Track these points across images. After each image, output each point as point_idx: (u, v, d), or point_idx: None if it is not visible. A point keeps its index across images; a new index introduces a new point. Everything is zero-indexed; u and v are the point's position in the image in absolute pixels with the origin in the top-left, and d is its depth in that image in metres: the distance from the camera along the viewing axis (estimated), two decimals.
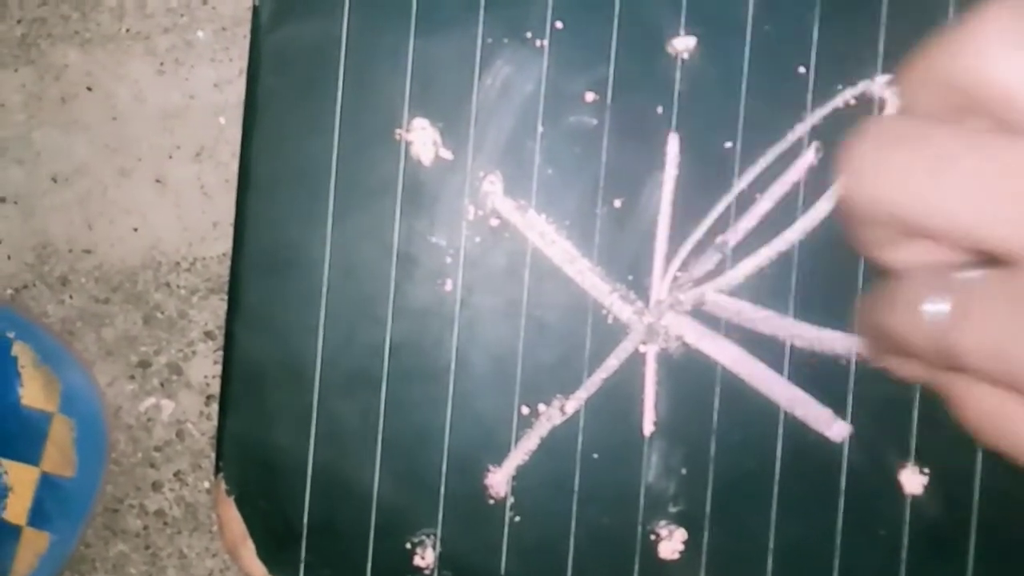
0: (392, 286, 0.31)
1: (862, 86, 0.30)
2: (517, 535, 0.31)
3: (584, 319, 0.30)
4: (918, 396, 0.30)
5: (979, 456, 0.30)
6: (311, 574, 0.31)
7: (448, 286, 0.31)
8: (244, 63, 0.31)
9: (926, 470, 0.30)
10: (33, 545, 0.29)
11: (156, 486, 0.32)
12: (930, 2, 0.29)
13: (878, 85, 0.29)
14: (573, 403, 0.30)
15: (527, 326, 0.31)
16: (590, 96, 0.30)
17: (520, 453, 0.31)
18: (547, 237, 0.30)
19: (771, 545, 0.30)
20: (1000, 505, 0.30)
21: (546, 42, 0.30)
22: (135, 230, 0.32)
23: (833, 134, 0.30)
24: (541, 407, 0.30)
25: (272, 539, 0.31)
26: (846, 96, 0.30)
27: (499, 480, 0.31)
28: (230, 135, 0.32)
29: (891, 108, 0.30)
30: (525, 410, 0.30)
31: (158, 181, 0.32)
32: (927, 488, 0.30)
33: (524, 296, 0.30)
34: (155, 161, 0.32)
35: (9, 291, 0.31)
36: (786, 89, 0.30)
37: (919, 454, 0.30)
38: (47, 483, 0.29)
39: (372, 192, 0.31)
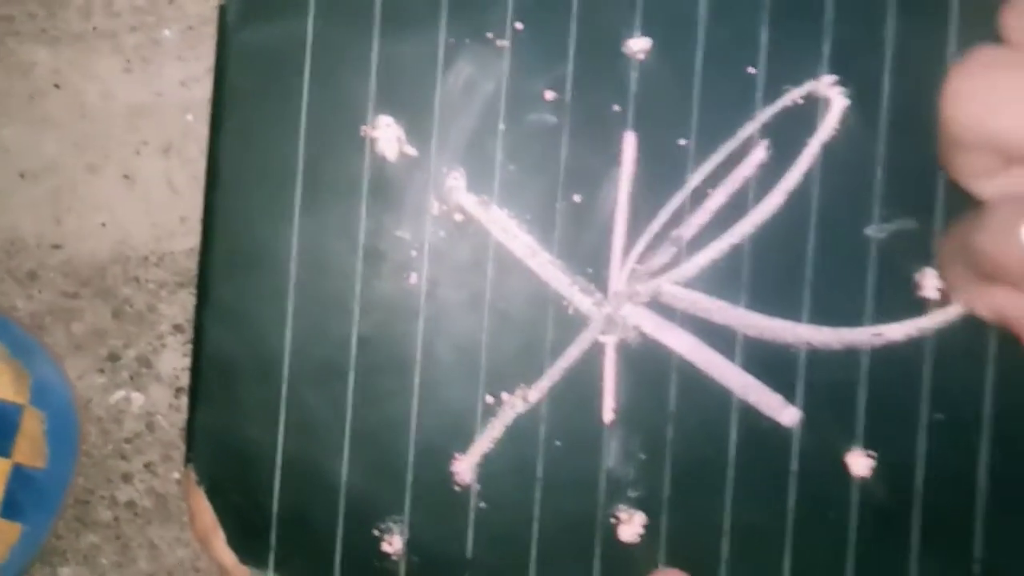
0: (359, 280, 0.31)
1: (808, 86, 0.31)
2: (483, 520, 0.31)
3: (545, 310, 0.31)
4: (866, 381, 0.31)
5: (922, 439, 0.31)
6: (281, 562, 0.31)
7: (414, 279, 0.31)
8: (211, 61, 0.31)
9: (872, 453, 0.31)
10: (5, 536, 0.30)
11: (126, 477, 0.32)
12: (873, 5, 0.31)
13: (823, 85, 0.31)
14: (536, 392, 0.31)
15: (490, 318, 0.31)
16: (550, 95, 0.31)
17: (485, 441, 0.31)
18: (509, 231, 0.31)
19: (727, 527, 0.31)
20: (942, 486, 0.31)
21: (507, 42, 0.31)
22: (103, 225, 0.32)
23: (782, 132, 0.31)
24: (505, 396, 0.31)
25: (242, 528, 0.31)
26: (793, 95, 0.31)
27: (465, 467, 0.31)
28: (198, 132, 0.32)
29: (836, 107, 0.31)
30: (489, 399, 0.31)
31: (126, 177, 0.32)
32: (874, 471, 0.31)
33: (487, 289, 0.31)
34: (123, 157, 0.32)
35: None
36: (737, 89, 0.31)
37: (866, 438, 0.31)
38: (19, 475, 0.29)
39: (338, 188, 0.31)
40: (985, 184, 0.21)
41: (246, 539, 0.31)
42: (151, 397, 0.32)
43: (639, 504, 0.31)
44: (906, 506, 0.31)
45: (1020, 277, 0.19)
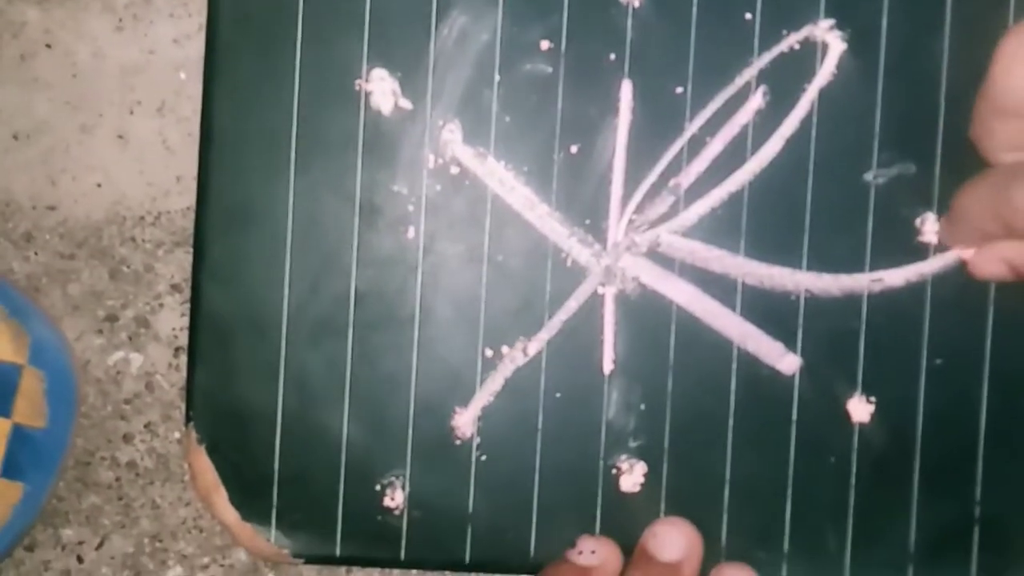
0: (355, 235, 0.31)
1: (806, 31, 0.30)
2: (483, 473, 0.31)
3: (544, 263, 0.31)
4: (864, 327, 0.31)
5: (922, 384, 0.31)
6: (283, 518, 0.31)
7: (411, 234, 0.31)
8: (203, 18, 0.31)
9: (872, 399, 0.31)
10: (6, 496, 0.29)
11: (127, 438, 0.32)
12: None
13: (821, 29, 0.30)
14: (535, 344, 0.31)
15: (489, 271, 0.31)
16: (545, 44, 0.31)
17: (485, 394, 0.31)
18: (506, 183, 0.31)
19: (727, 475, 0.31)
20: (942, 431, 0.31)
21: None
22: (98, 186, 0.32)
23: (779, 78, 0.31)
24: (504, 349, 0.31)
25: (244, 486, 0.31)
26: (790, 41, 0.31)
27: (465, 421, 0.31)
28: (191, 90, 0.32)
29: (834, 52, 0.31)
30: (489, 352, 0.31)
31: (120, 137, 0.32)
32: (874, 417, 0.31)
33: (485, 242, 0.31)
34: (116, 117, 0.32)
35: None
36: (734, 35, 0.31)
37: (866, 384, 0.31)
38: (19, 435, 0.29)
39: (333, 143, 0.31)
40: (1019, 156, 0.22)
41: (248, 497, 0.31)
42: (150, 357, 0.32)
43: (640, 454, 0.31)
44: (907, 451, 0.31)
45: None
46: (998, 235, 0.27)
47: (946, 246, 0.30)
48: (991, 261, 0.29)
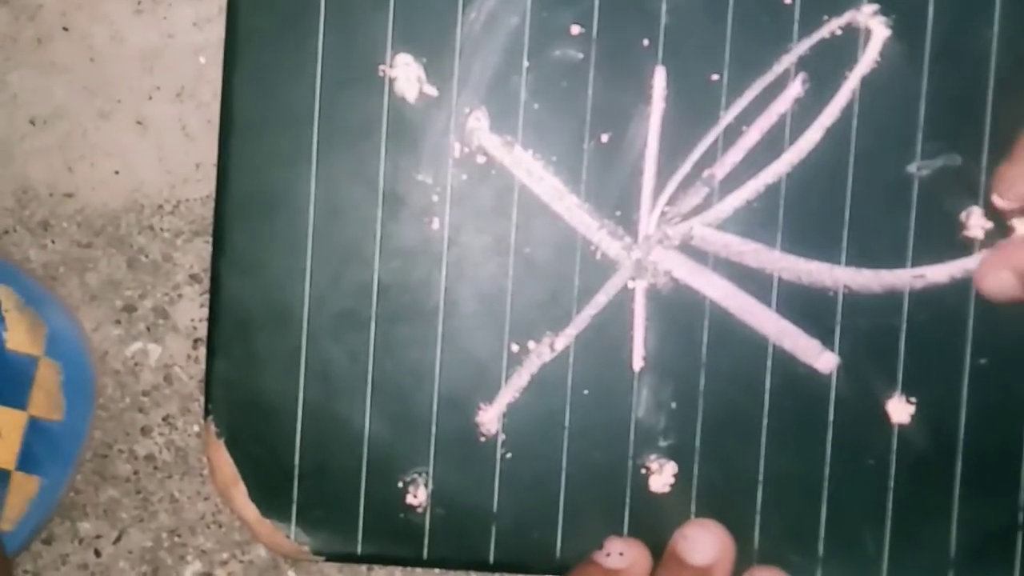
0: (379, 225, 0.30)
1: (848, 16, 0.29)
2: (509, 472, 0.30)
3: (573, 256, 0.30)
4: (905, 325, 0.30)
5: (965, 384, 0.30)
6: (303, 515, 0.31)
7: (435, 224, 0.30)
8: (224, 1, 0.30)
9: (913, 399, 0.30)
10: (23, 489, 0.29)
11: (145, 431, 0.31)
12: None
13: (864, 14, 0.29)
14: (563, 340, 0.30)
15: (515, 263, 0.30)
16: (576, 29, 0.29)
17: (511, 390, 0.30)
18: (534, 173, 0.30)
19: (760, 477, 0.30)
20: (986, 433, 0.30)
21: None
22: (116, 173, 0.31)
23: (819, 65, 0.29)
24: (531, 344, 0.30)
25: (264, 481, 0.30)
26: (832, 26, 0.29)
27: (490, 417, 0.30)
28: (211, 75, 0.31)
29: (877, 38, 0.29)
30: (515, 347, 0.30)
31: (139, 123, 0.31)
32: (914, 417, 0.30)
33: (512, 233, 0.30)
34: (135, 102, 0.31)
35: None
36: (772, 20, 0.29)
37: (906, 384, 0.30)
38: (35, 427, 0.29)
39: (356, 130, 0.30)
40: None
41: (267, 492, 0.30)
42: (168, 348, 0.31)
43: (670, 454, 0.30)
44: (948, 454, 0.30)
45: None
46: None
47: (992, 241, 0.29)
48: (999, 270, 0.27)
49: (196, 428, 0.32)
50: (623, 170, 0.30)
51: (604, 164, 0.30)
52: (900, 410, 0.30)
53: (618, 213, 0.30)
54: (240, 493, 0.30)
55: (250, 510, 0.30)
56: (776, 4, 0.29)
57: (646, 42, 0.29)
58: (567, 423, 0.30)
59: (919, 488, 0.30)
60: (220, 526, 0.32)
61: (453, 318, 0.30)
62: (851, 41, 0.29)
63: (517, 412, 0.30)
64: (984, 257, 0.28)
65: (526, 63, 0.30)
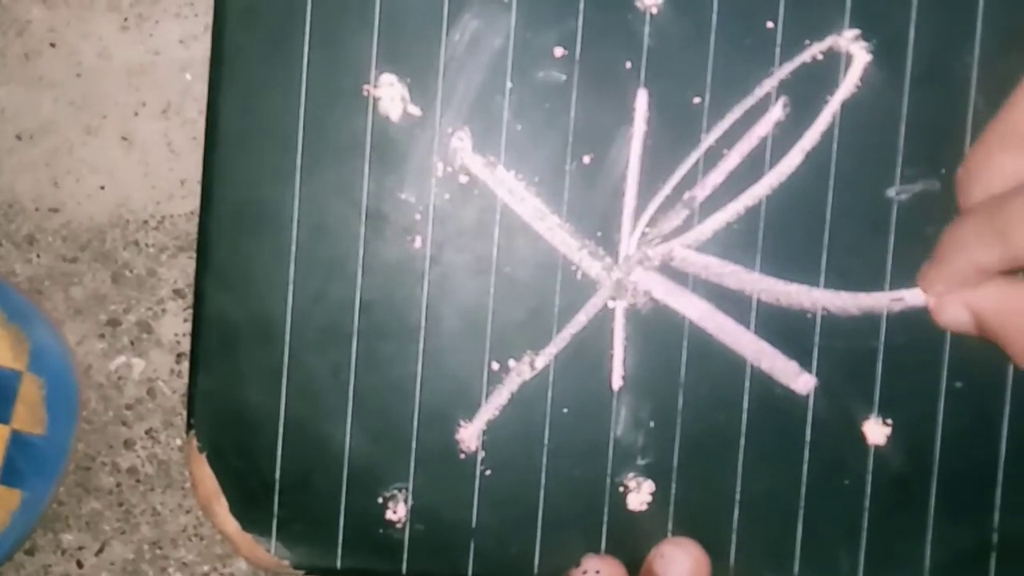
0: (362, 243, 0.30)
1: (829, 40, 0.29)
2: (488, 488, 0.30)
3: (553, 275, 0.30)
4: (882, 347, 0.30)
5: (941, 407, 0.30)
6: (284, 529, 0.30)
7: (418, 243, 0.30)
8: (210, 18, 0.30)
9: (889, 421, 0.30)
10: (5, 503, 0.29)
11: (128, 444, 0.31)
12: None
13: (845, 39, 0.29)
14: (543, 358, 0.30)
15: (497, 282, 0.30)
16: (559, 51, 0.29)
17: (491, 408, 0.30)
18: (516, 193, 0.30)
19: (738, 496, 0.30)
20: (961, 455, 0.30)
21: None
22: (102, 188, 0.31)
23: (800, 89, 0.29)
24: (511, 363, 0.30)
25: (245, 495, 0.30)
26: (813, 51, 0.29)
27: (470, 435, 0.30)
28: (197, 91, 0.31)
29: (858, 63, 0.29)
30: (495, 366, 0.30)
31: (124, 139, 0.31)
32: (890, 439, 0.30)
33: (494, 253, 0.30)
34: (121, 118, 0.31)
35: None
36: (754, 44, 0.29)
37: (882, 406, 0.30)
38: (18, 441, 0.28)
39: (341, 149, 0.30)
40: None
41: (248, 506, 0.30)
42: (152, 363, 0.31)
43: (648, 472, 0.30)
44: (923, 475, 0.30)
45: None
46: (992, 267, 0.25)
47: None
48: (955, 305, 0.27)
49: (178, 442, 0.32)
50: (605, 191, 0.30)
51: (586, 185, 0.30)
52: (876, 431, 0.30)
53: (599, 233, 0.30)
54: (221, 507, 0.30)
55: (231, 524, 0.30)
56: (759, 28, 0.29)
57: (629, 64, 0.29)
58: (546, 441, 0.30)
59: (894, 509, 0.30)
60: (202, 539, 0.32)
61: (434, 336, 0.30)
62: (832, 65, 0.29)
63: (497, 429, 0.30)
64: (939, 288, 0.28)
65: (509, 84, 0.29)
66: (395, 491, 0.30)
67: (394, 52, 0.29)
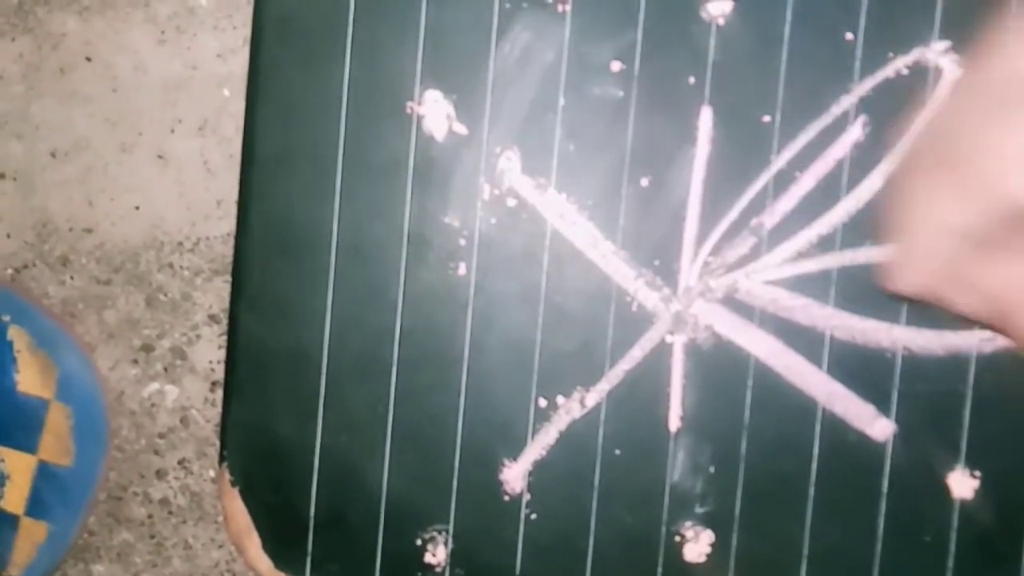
0: (403, 269, 0.28)
1: (916, 54, 0.26)
2: (533, 533, 0.28)
3: (607, 306, 0.28)
4: (971, 391, 0.27)
5: None
6: (318, 569, 0.29)
7: (462, 270, 0.28)
8: (248, 32, 0.28)
9: (977, 472, 0.27)
10: (31, 535, 0.27)
11: (160, 474, 0.30)
12: None
13: (934, 52, 0.26)
14: (594, 395, 0.28)
15: (545, 313, 0.28)
16: (616, 65, 0.27)
17: (537, 447, 0.28)
18: (568, 218, 0.28)
19: (805, 551, 0.27)
20: None
21: (569, 6, 0.27)
22: (136, 208, 0.29)
23: (883, 107, 0.26)
24: (560, 399, 0.28)
25: (278, 532, 0.29)
26: (898, 65, 0.26)
27: (515, 475, 0.28)
28: (234, 108, 0.29)
29: (948, 78, 0.26)
30: (543, 402, 0.28)
31: (160, 157, 0.29)
32: (978, 492, 0.27)
33: (543, 281, 0.28)
34: (157, 135, 0.29)
35: (9, 271, 0.29)
36: (831, 57, 0.26)
37: (970, 455, 0.27)
38: (44, 472, 0.27)
39: (382, 169, 0.28)
40: None
41: (282, 544, 0.29)
42: (185, 390, 0.30)
43: (707, 521, 0.28)
44: (1014, 533, 0.27)
45: None
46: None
47: None
48: (972, 296, 0.23)
49: (212, 473, 0.30)
50: (663, 216, 0.27)
51: (643, 209, 0.27)
52: (962, 484, 0.27)
53: (657, 262, 0.27)
54: (254, 544, 0.29)
55: (264, 562, 0.29)
56: (836, 40, 0.26)
57: (692, 80, 0.27)
58: (597, 484, 0.28)
59: (981, 568, 0.27)
60: (234, 575, 0.30)
61: (478, 369, 0.28)
62: (919, 81, 0.26)
63: (544, 470, 0.28)
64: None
65: (562, 101, 0.27)
66: (435, 532, 0.28)
67: (440, 67, 0.27)
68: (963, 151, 0.19)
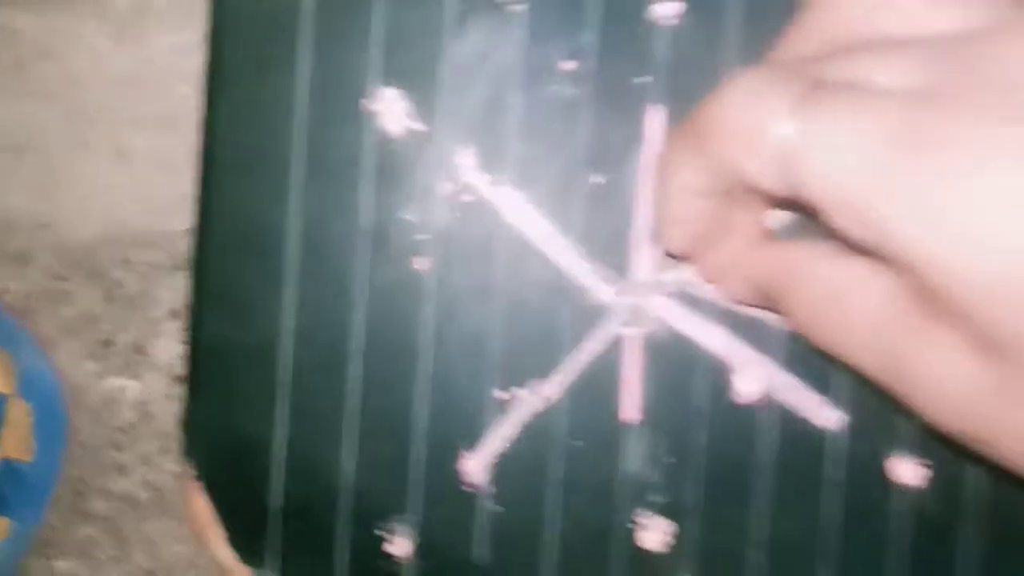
0: (362, 265, 0.28)
1: None
2: (494, 524, 0.29)
3: (563, 300, 0.28)
4: None
5: None
6: (281, 561, 0.29)
7: (420, 265, 0.28)
8: (205, 29, 0.28)
9: (924, 460, 0.28)
10: None
11: (122, 469, 0.30)
12: None
13: None
14: (551, 388, 0.28)
15: (503, 307, 0.28)
16: (569, 65, 0.27)
17: (497, 439, 0.28)
18: (524, 214, 0.28)
19: (758, 537, 0.28)
20: (1004, 499, 0.28)
21: (523, 7, 0.27)
22: (94, 203, 0.29)
23: None
24: (519, 391, 0.28)
25: (241, 525, 0.29)
26: None
27: (475, 466, 0.29)
28: (192, 104, 0.29)
29: None
30: (501, 394, 0.28)
31: (118, 153, 0.29)
32: (925, 480, 0.28)
33: (500, 276, 0.28)
34: (114, 131, 0.29)
35: None
36: None
37: (917, 443, 0.28)
38: (6, 468, 0.27)
39: (340, 166, 0.28)
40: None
41: (245, 537, 0.29)
42: (146, 385, 0.30)
43: (663, 510, 0.28)
44: (960, 519, 0.28)
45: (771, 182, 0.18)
46: (706, 190, 0.22)
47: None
48: (737, 283, 0.24)
49: (174, 467, 0.30)
50: (617, 212, 0.28)
51: (597, 205, 0.28)
52: (910, 472, 0.28)
53: (611, 257, 0.28)
54: (217, 537, 0.29)
55: (227, 555, 0.29)
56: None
57: (643, 79, 0.27)
58: (557, 475, 0.28)
59: (926, 553, 0.28)
60: (197, 568, 0.31)
61: (437, 363, 0.28)
62: None
63: (504, 462, 0.28)
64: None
65: (517, 100, 0.28)
66: (397, 524, 0.29)
67: (396, 65, 0.28)
68: (697, 122, 0.21)
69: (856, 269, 0.20)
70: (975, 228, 0.16)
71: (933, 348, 0.18)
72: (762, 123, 0.18)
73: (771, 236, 0.24)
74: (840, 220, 0.17)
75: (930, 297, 0.17)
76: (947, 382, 0.18)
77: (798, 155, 0.17)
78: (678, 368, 0.28)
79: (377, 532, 0.29)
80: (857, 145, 0.17)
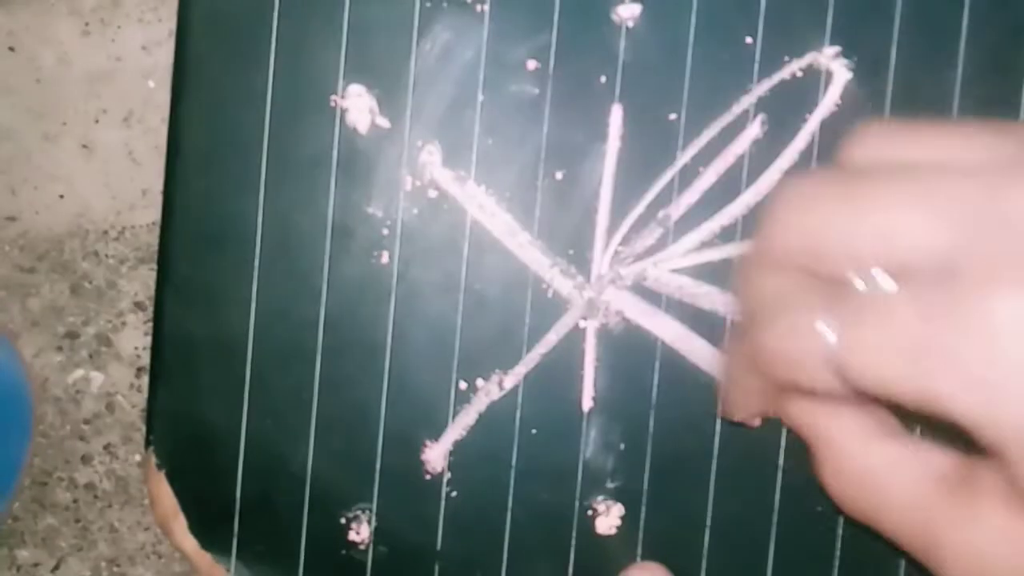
0: (327, 258, 0.29)
1: (809, 57, 0.28)
2: (454, 510, 0.29)
3: (524, 293, 0.29)
4: None
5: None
6: (244, 549, 0.29)
7: (385, 259, 0.29)
8: (174, 24, 0.29)
9: None
10: None
11: (86, 459, 0.30)
12: None
13: (825, 57, 0.28)
14: (512, 378, 0.29)
15: (465, 300, 0.29)
16: (532, 64, 0.28)
17: (457, 428, 0.29)
18: (487, 209, 0.29)
19: (708, 521, 0.29)
20: None
21: (487, 7, 0.28)
22: (61, 197, 0.30)
23: (779, 107, 0.28)
24: (479, 382, 0.29)
25: (204, 514, 0.29)
26: (793, 68, 0.28)
27: (436, 455, 0.29)
28: (160, 99, 0.30)
29: (838, 81, 0.28)
30: (463, 385, 0.29)
31: (85, 147, 0.30)
32: None
33: (463, 269, 0.29)
34: (81, 126, 0.30)
35: None
36: (732, 60, 0.28)
37: None
38: None
39: (306, 161, 0.29)
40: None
41: (208, 525, 0.29)
42: (111, 377, 0.30)
43: (617, 495, 0.29)
44: None
45: (817, 377, 0.19)
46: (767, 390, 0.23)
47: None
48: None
49: (138, 457, 0.30)
50: (577, 208, 0.29)
51: (558, 201, 0.29)
52: None
53: (571, 251, 0.29)
54: (180, 525, 0.29)
55: (190, 543, 0.29)
56: (737, 44, 0.28)
57: (603, 79, 0.28)
58: (514, 463, 0.29)
59: (868, 536, 0.29)
60: (160, 557, 0.31)
61: (400, 354, 0.29)
62: (812, 83, 0.28)
63: (464, 451, 0.29)
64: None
65: (481, 97, 0.28)
66: (358, 512, 0.29)
67: (363, 62, 0.28)
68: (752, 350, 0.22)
69: (892, 451, 0.21)
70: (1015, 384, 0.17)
71: (979, 521, 0.19)
72: (808, 351, 0.19)
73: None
74: (897, 400, 0.18)
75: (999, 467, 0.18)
76: (991, 547, 0.19)
77: (846, 365, 0.18)
78: (635, 358, 0.29)
79: (340, 520, 0.29)
80: (892, 342, 0.18)
